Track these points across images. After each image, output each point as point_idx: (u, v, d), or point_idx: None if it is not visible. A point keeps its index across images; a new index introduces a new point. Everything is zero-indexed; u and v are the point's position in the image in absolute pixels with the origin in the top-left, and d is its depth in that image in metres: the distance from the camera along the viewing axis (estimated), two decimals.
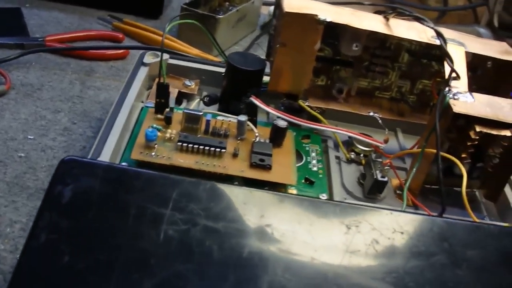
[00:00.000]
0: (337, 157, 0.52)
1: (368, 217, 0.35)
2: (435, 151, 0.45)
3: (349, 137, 0.50)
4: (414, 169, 0.46)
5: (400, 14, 0.48)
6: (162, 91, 0.46)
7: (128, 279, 0.29)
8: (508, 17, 1.02)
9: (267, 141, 0.46)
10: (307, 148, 0.49)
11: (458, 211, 0.48)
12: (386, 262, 0.33)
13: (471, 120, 0.44)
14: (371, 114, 0.52)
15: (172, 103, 0.46)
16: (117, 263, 0.30)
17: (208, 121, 0.45)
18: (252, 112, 0.47)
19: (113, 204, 0.32)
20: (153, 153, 0.42)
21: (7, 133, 0.54)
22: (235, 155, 0.44)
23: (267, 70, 0.52)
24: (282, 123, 0.45)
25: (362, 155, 0.52)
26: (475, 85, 0.51)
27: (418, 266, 0.33)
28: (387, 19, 0.49)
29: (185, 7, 0.75)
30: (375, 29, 0.47)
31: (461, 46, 0.49)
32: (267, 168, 0.43)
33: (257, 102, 0.46)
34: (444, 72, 0.47)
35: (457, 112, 0.43)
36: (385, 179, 0.47)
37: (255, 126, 0.47)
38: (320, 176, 0.46)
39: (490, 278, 0.34)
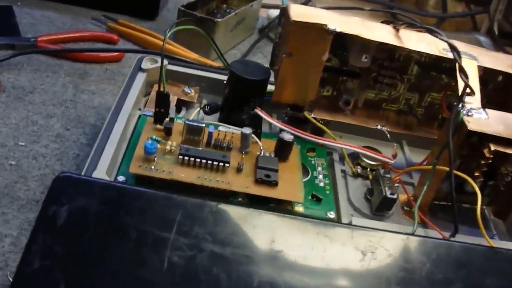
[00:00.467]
0: (343, 171, 0.50)
1: (384, 242, 0.33)
2: (446, 168, 0.43)
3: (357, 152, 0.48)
4: (425, 187, 0.44)
5: (411, 26, 0.46)
6: (163, 101, 0.44)
7: None
8: (508, 25, 1.01)
9: (272, 154, 0.44)
10: (312, 162, 0.47)
11: (468, 229, 0.46)
12: None
13: (485, 138, 0.43)
14: (379, 127, 0.50)
15: (172, 113, 0.44)
16: None
17: (210, 133, 0.43)
18: (257, 124, 0.45)
19: (112, 227, 0.30)
20: (152, 167, 0.40)
21: None
22: (239, 170, 0.41)
23: (271, 79, 0.50)
24: (288, 137, 0.43)
25: (368, 169, 0.50)
26: (485, 100, 0.49)
27: None
28: (397, 30, 0.47)
29: (182, 10, 0.73)
30: (386, 40, 0.46)
31: (473, 60, 0.47)
32: (273, 184, 0.41)
33: (262, 114, 0.44)
34: (456, 87, 0.45)
35: (471, 129, 0.42)
36: (394, 196, 0.45)
37: (260, 138, 0.44)
38: (327, 192, 0.44)
39: None
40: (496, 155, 0.43)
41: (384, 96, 0.52)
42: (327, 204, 0.43)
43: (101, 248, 0.29)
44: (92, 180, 0.34)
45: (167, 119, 0.44)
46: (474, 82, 0.45)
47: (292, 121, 0.50)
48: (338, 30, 0.45)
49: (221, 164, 0.41)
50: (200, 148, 0.42)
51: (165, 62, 0.54)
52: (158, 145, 0.42)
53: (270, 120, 0.44)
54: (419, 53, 0.48)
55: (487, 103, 0.48)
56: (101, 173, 0.38)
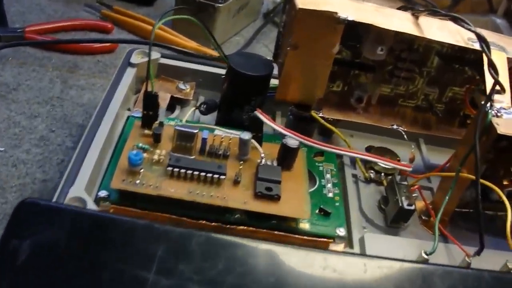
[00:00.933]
0: (354, 176, 0.45)
1: (401, 275, 0.28)
2: (472, 177, 0.38)
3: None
4: (447, 198, 0.39)
5: (433, 13, 0.41)
6: (150, 102, 0.39)
7: None
8: None
9: (275, 163, 0.39)
10: (320, 168, 0.42)
11: (492, 239, 0.41)
12: None
13: None
14: (394, 127, 0.45)
15: (162, 116, 0.39)
16: None
17: (204, 139, 0.38)
18: (257, 127, 0.40)
19: (82, 266, 0.25)
20: (137, 181, 0.35)
21: None
22: (236, 182, 0.37)
23: (275, 71, 0.45)
24: (292, 142, 0.38)
25: (383, 173, 0.45)
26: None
27: None
28: (417, 18, 0.42)
29: None
30: (404, 29, 0.40)
31: (502, 51, 0.41)
32: (275, 198, 0.36)
33: (262, 117, 0.39)
34: (481, 80, 0.40)
35: (502, 133, 0.36)
36: (413, 207, 0.40)
37: (260, 144, 0.39)
38: (337, 204, 0.39)
39: None
40: None
41: (401, 91, 0.46)
42: (337, 219, 0.38)
43: None
44: (61, 208, 0.29)
45: (156, 124, 0.39)
46: (504, 77, 0.39)
47: (298, 119, 0.45)
48: (350, 18, 0.39)
49: (216, 176, 0.36)
50: (193, 157, 0.37)
51: (158, 55, 0.49)
52: (145, 154, 0.37)
53: (271, 124, 0.39)
54: (441, 43, 0.43)
55: None
56: (79, 190, 0.34)
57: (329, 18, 0.39)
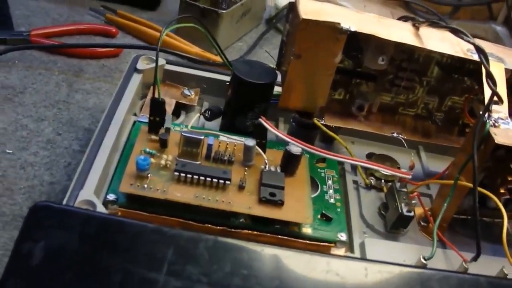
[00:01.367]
0: (355, 182, 0.46)
1: (400, 279, 0.29)
2: (469, 185, 0.39)
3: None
4: (445, 205, 0.40)
5: (433, 24, 0.42)
6: (157, 108, 0.40)
7: None
8: None
9: (278, 169, 0.40)
10: (322, 175, 0.43)
11: (490, 246, 0.42)
12: None
13: None
14: (395, 135, 0.46)
15: (168, 122, 0.40)
16: None
17: (210, 145, 0.39)
18: (261, 133, 0.41)
19: (94, 267, 0.26)
20: (145, 185, 0.36)
21: None
22: (241, 187, 0.38)
23: (278, 79, 0.46)
24: (295, 149, 0.39)
25: (383, 180, 0.46)
26: (510, 103, 0.45)
27: None
28: (417, 28, 0.43)
29: (184, 0, 0.68)
30: (405, 40, 0.41)
31: (500, 62, 0.42)
32: (279, 204, 0.37)
33: (266, 124, 0.40)
34: (480, 90, 0.41)
35: (499, 143, 0.37)
36: (412, 214, 0.41)
37: (264, 150, 0.40)
38: (338, 210, 0.40)
39: None
40: None
41: (401, 100, 0.47)
42: (338, 224, 0.39)
43: None
44: (73, 211, 0.30)
45: (163, 129, 0.40)
46: (502, 88, 0.41)
47: (300, 126, 0.46)
48: (352, 29, 0.40)
49: (221, 181, 0.37)
50: (199, 162, 0.38)
51: (163, 61, 0.50)
52: (152, 159, 0.38)
53: (275, 131, 0.40)
54: (441, 54, 0.44)
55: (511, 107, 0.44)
56: (88, 193, 0.35)
57: (331, 28, 0.40)
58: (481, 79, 0.40)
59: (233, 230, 0.37)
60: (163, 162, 0.38)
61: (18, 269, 0.26)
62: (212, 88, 0.51)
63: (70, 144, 0.50)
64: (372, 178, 0.46)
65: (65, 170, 0.47)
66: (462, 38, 0.41)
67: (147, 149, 0.39)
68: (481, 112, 0.39)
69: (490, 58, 0.41)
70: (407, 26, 0.43)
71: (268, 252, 0.29)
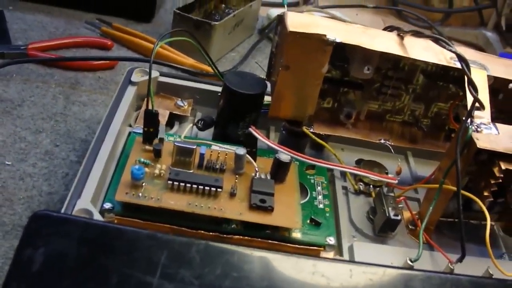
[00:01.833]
0: (344, 188, 0.47)
1: (385, 280, 0.30)
2: (454, 188, 0.40)
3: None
4: (431, 208, 0.42)
5: (417, 35, 0.44)
6: (151, 119, 0.41)
7: None
8: None
9: (268, 176, 0.41)
10: (312, 181, 0.44)
11: (475, 247, 0.44)
12: None
13: (495, 156, 0.40)
14: (382, 141, 0.48)
15: (162, 132, 0.42)
16: None
17: (202, 155, 0.40)
18: (251, 143, 0.42)
19: (92, 271, 0.28)
20: (140, 194, 0.38)
21: None
22: (232, 194, 0.39)
23: (268, 88, 0.47)
24: (285, 157, 0.41)
25: (371, 185, 0.48)
26: (494, 109, 0.46)
27: None
28: (402, 38, 0.44)
29: (178, 13, 0.70)
30: (389, 50, 0.43)
31: (483, 69, 0.44)
32: (269, 210, 0.38)
33: (256, 134, 0.42)
34: (464, 96, 0.42)
35: (481, 147, 0.39)
36: (398, 217, 0.42)
37: (255, 158, 0.42)
38: (327, 215, 0.42)
39: None
40: (506, 173, 0.40)
41: (388, 107, 0.49)
42: (327, 229, 0.40)
43: None
44: (71, 219, 0.31)
45: (157, 140, 0.41)
46: (484, 94, 0.42)
47: (291, 134, 0.47)
48: (338, 40, 0.42)
49: (213, 189, 0.38)
50: (191, 171, 0.40)
51: (157, 73, 0.51)
52: (147, 169, 0.39)
53: (264, 140, 0.42)
54: (426, 62, 0.45)
55: (497, 112, 0.46)
56: (85, 202, 0.36)
57: (318, 40, 0.41)
58: (465, 86, 0.42)
59: (225, 236, 0.38)
60: (157, 171, 0.39)
61: (19, 275, 0.27)
62: (205, 99, 0.52)
63: (67, 155, 0.51)
64: (361, 183, 0.48)
65: (63, 181, 0.48)
66: (444, 47, 0.42)
67: (142, 159, 0.40)
68: (463, 118, 0.40)
69: (472, 65, 0.43)
70: (392, 36, 0.45)
71: (257, 255, 0.31)
